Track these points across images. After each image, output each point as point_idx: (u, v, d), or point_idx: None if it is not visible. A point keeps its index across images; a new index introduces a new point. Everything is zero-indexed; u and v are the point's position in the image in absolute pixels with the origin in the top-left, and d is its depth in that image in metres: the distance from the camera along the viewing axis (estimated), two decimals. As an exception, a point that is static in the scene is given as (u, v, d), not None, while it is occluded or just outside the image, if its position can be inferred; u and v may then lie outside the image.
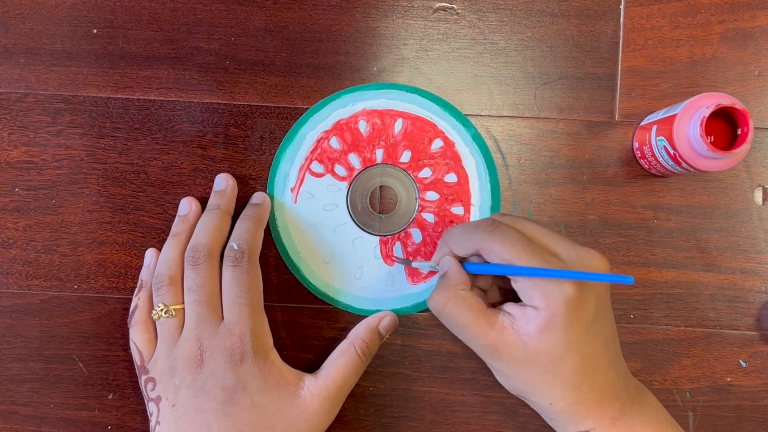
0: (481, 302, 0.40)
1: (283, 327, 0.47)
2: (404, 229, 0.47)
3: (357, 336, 0.44)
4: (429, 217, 0.47)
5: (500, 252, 0.38)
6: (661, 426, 0.41)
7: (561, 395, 0.39)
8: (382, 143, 0.46)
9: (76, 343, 0.47)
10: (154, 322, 0.44)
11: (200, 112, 0.47)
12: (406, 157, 0.47)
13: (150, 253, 0.46)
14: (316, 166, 0.47)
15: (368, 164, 0.47)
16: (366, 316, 0.46)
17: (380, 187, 0.47)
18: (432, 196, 0.47)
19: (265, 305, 0.44)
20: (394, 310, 0.46)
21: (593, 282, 0.38)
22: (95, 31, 0.47)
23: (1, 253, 0.47)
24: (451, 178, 0.47)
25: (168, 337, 0.43)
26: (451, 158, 0.47)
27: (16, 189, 0.47)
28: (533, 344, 0.38)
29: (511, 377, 0.41)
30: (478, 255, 0.41)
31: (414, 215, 0.47)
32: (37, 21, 0.47)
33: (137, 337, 0.44)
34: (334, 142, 0.47)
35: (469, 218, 0.47)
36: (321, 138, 0.47)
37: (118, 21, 0.47)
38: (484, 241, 0.39)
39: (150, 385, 0.42)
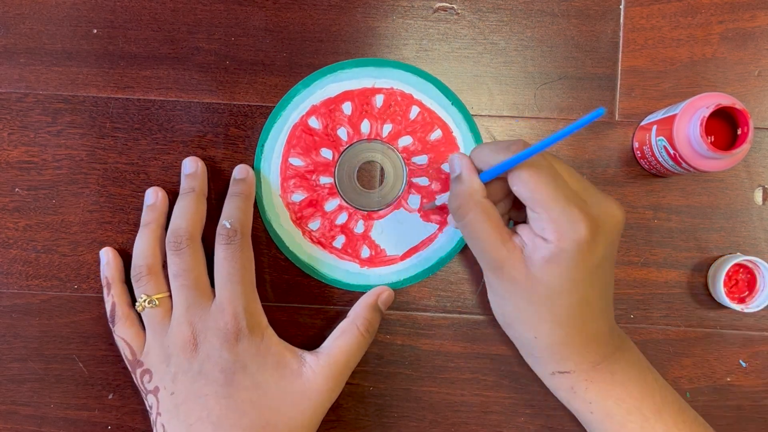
0: (500, 217, 0.39)
1: (283, 327, 0.47)
2: (387, 207, 0.47)
3: (357, 315, 0.44)
4: (414, 200, 0.47)
5: (527, 179, 0.37)
6: (641, 373, 0.41)
7: (548, 331, 0.39)
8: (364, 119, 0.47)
9: (76, 343, 0.47)
10: (136, 315, 0.44)
11: (200, 112, 0.47)
12: (386, 130, 0.47)
13: (105, 252, 0.46)
14: (314, 122, 0.47)
15: (368, 137, 0.47)
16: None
17: (371, 163, 0.47)
18: (423, 180, 0.47)
19: (264, 305, 0.44)
20: (389, 285, 0.47)
21: (608, 227, 0.38)
22: (95, 31, 0.47)
23: (1, 253, 0.47)
24: (447, 167, 0.47)
25: (157, 327, 0.42)
26: (449, 149, 0.47)
27: (16, 189, 0.47)
28: (536, 273, 0.38)
29: (505, 300, 0.40)
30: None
31: (397, 196, 0.47)
32: (37, 21, 0.47)
33: (123, 332, 0.43)
34: (347, 107, 0.47)
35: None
36: (339, 97, 0.47)
37: (118, 21, 0.47)
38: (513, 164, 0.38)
39: (146, 378, 0.42)
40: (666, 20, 0.47)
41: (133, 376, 0.43)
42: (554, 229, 0.37)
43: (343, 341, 0.43)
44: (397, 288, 0.47)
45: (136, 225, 0.46)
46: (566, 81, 0.47)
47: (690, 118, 0.41)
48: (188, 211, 0.44)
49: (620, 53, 0.47)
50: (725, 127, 0.42)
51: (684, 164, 0.42)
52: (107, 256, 0.46)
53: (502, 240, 0.38)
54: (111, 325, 0.44)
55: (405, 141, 0.47)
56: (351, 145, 0.47)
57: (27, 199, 0.47)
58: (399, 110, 0.47)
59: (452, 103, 0.47)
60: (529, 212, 0.38)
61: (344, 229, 0.47)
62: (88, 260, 0.47)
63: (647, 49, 0.47)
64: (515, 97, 0.47)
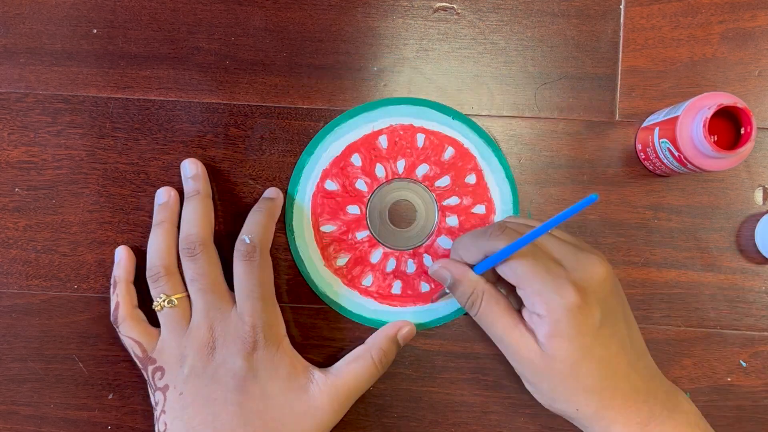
0: (507, 301, 0.40)
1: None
2: (429, 238, 0.47)
3: (375, 344, 0.44)
4: (453, 221, 0.47)
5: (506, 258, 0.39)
6: None
7: (585, 401, 0.39)
8: (402, 158, 0.47)
9: (76, 343, 0.47)
10: (142, 314, 0.44)
11: (200, 112, 0.47)
12: (422, 170, 0.47)
13: (120, 251, 0.46)
14: (331, 184, 0.46)
15: (386, 180, 0.47)
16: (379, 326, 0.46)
17: (398, 202, 0.47)
18: (453, 200, 0.47)
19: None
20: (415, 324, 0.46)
21: (595, 286, 0.38)
22: (95, 31, 0.47)
23: (1, 253, 0.47)
24: (471, 179, 0.47)
25: (175, 326, 0.42)
26: (465, 161, 0.47)
27: (16, 189, 0.47)
28: (547, 351, 0.38)
29: (535, 384, 0.40)
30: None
31: (435, 224, 0.47)
32: (37, 21, 0.47)
33: (131, 330, 0.43)
34: (356, 159, 0.47)
35: (491, 217, 0.47)
36: (344, 153, 0.47)
37: (118, 21, 0.47)
38: (490, 246, 0.39)
39: (158, 375, 0.42)
40: (666, 20, 0.47)
41: (144, 372, 0.43)
42: (541, 301, 0.38)
43: (355, 367, 0.43)
44: (426, 328, 0.47)
45: (137, 225, 0.46)
46: (566, 81, 0.47)
47: (692, 118, 0.41)
48: (197, 215, 0.44)
49: (620, 53, 0.47)
50: (728, 127, 0.42)
51: (689, 165, 0.42)
52: (119, 256, 0.45)
53: (514, 323, 0.39)
54: (114, 324, 0.44)
55: (422, 169, 0.47)
56: (373, 192, 0.47)
57: (27, 199, 0.47)
58: (406, 143, 0.47)
59: (453, 118, 0.47)
60: (517, 291, 0.39)
61: (397, 273, 0.47)
62: (88, 260, 0.47)
63: (647, 49, 0.47)
64: (515, 97, 0.47)
